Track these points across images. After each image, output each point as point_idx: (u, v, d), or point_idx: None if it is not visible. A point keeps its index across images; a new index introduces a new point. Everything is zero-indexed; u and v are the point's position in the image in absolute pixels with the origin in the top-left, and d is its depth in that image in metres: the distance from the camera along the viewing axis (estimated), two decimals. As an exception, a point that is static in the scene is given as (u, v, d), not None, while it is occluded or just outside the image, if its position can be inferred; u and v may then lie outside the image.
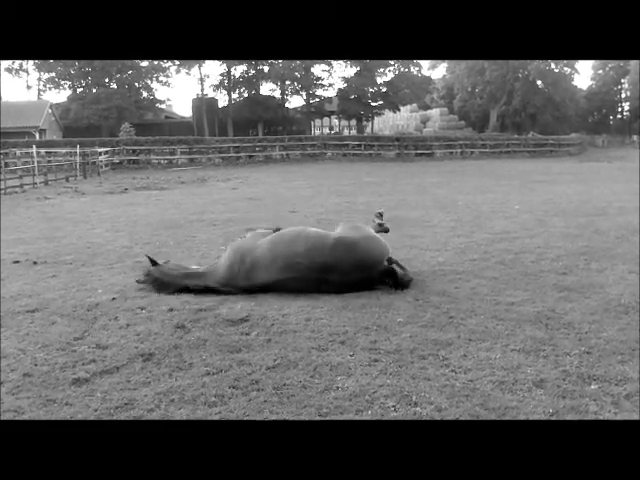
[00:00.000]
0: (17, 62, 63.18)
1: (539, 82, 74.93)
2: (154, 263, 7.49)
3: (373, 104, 66.77)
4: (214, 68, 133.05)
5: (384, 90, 66.04)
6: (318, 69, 66.53)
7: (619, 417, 4.02)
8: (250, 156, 45.85)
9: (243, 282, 7.03)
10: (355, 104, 64.61)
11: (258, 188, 24.04)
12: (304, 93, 65.91)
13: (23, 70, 65.13)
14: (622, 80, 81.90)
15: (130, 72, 62.79)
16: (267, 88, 69.00)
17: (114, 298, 7.10)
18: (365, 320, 6.11)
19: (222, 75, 66.33)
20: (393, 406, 4.22)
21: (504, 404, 4.21)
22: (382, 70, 65.65)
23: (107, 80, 62.91)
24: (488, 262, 8.90)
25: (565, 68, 75.65)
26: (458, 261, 9.01)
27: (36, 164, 30.35)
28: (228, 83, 66.19)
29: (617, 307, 6.50)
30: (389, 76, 66.66)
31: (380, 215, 8.99)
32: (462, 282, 7.72)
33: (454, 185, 24.12)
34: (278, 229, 7.84)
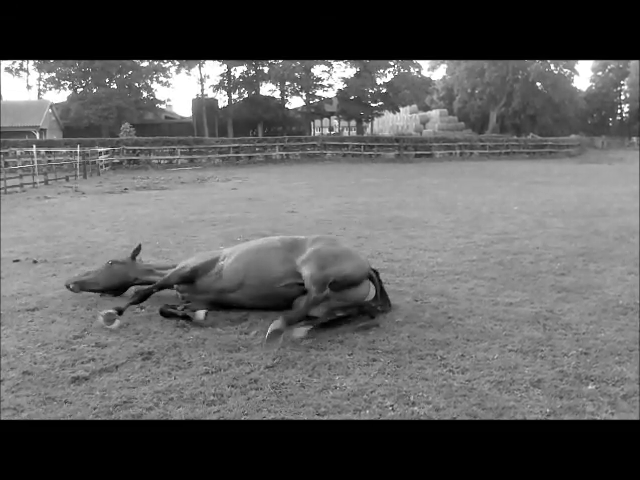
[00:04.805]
0: (17, 62, 63.23)
1: (539, 83, 74.97)
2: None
3: (373, 105, 66.73)
4: (214, 68, 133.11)
5: (384, 91, 66.01)
6: (318, 70, 66.55)
7: (616, 417, 4.03)
8: (250, 156, 45.86)
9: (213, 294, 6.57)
10: (355, 105, 64.58)
11: (258, 188, 24.05)
12: (304, 94, 65.90)
13: (23, 70, 65.14)
14: (621, 82, 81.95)
15: (130, 72, 62.80)
16: (267, 89, 69.08)
17: (113, 297, 7.10)
18: (363, 319, 6.12)
19: (222, 75, 66.38)
20: (391, 406, 4.23)
21: (501, 404, 4.22)
22: (382, 71, 65.62)
23: (107, 80, 62.91)
24: (487, 263, 8.91)
25: (564, 69, 75.72)
26: (457, 262, 9.02)
27: (36, 164, 30.35)
28: (228, 83, 66.21)
29: (615, 308, 6.51)
30: (389, 77, 66.65)
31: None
32: (461, 283, 7.73)
33: (453, 186, 24.13)
34: None
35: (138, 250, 7.19)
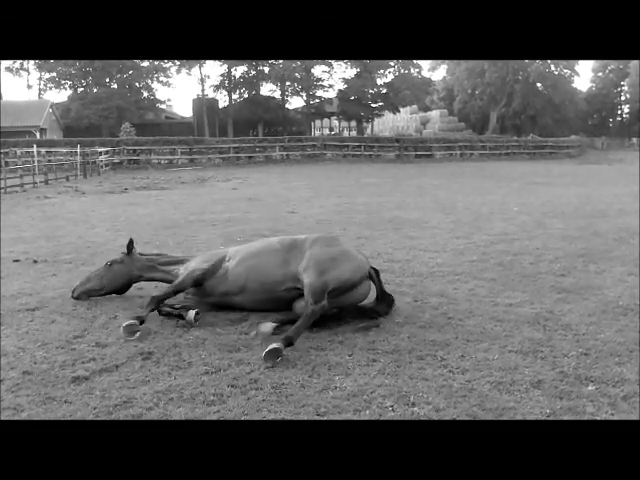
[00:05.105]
0: (18, 62, 63.25)
1: (539, 84, 74.99)
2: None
3: (373, 105, 66.80)
4: (214, 68, 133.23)
5: (384, 91, 66.07)
6: (318, 70, 66.62)
7: (616, 418, 4.03)
8: (250, 157, 45.86)
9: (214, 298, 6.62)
10: (355, 105, 64.63)
11: (258, 188, 24.05)
12: (304, 94, 65.95)
13: (24, 69, 65.20)
14: (622, 82, 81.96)
15: (131, 72, 62.84)
16: (267, 89, 69.11)
17: (113, 297, 7.10)
18: (364, 320, 6.11)
19: (222, 76, 66.42)
20: (391, 406, 4.23)
21: (501, 405, 4.22)
22: (382, 71, 65.69)
23: (108, 80, 62.96)
24: (487, 263, 8.91)
25: (565, 70, 75.74)
26: (457, 262, 9.02)
27: (36, 163, 30.34)
28: (228, 84, 66.24)
29: (615, 309, 6.51)
30: (389, 77, 66.74)
31: None
32: (460, 283, 7.73)
33: (453, 187, 24.13)
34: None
35: (131, 244, 7.08)
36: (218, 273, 6.51)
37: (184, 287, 6.55)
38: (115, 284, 7.03)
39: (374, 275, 6.40)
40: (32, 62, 62.91)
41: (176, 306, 6.40)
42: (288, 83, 64.77)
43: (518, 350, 5.29)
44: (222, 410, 4.18)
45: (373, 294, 6.43)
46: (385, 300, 6.39)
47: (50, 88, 65.14)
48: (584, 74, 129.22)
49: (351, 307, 6.21)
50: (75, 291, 7.01)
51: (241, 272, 6.40)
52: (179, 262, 7.02)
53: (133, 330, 5.76)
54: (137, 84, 64.45)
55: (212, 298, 6.55)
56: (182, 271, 6.72)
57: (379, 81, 66.43)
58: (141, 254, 7.21)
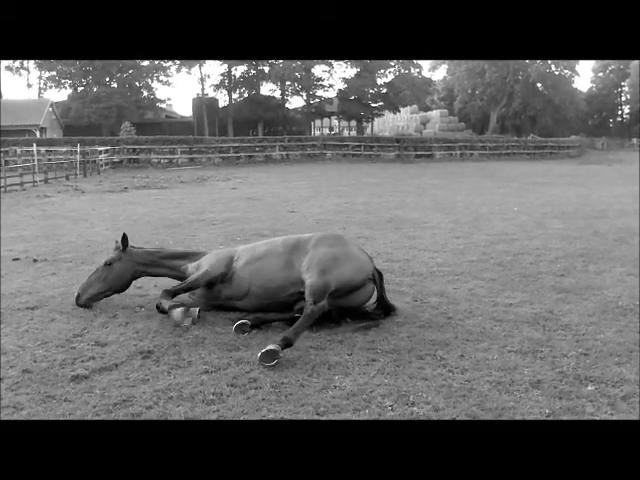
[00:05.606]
0: (18, 61, 63.25)
1: (539, 84, 75.03)
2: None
3: (373, 105, 66.82)
4: (215, 68, 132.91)
5: (384, 91, 66.08)
6: (318, 70, 66.65)
7: (615, 418, 4.03)
8: (250, 156, 45.83)
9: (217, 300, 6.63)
10: (355, 105, 64.65)
11: (257, 188, 24.04)
12: (304, 94, 65.96)
13: (24, 68, 65.26)
14: (622, 83, 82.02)
15: (131, 71, 62.88)
16: (267, 88, 69.14)
17: (112, 296, 7.09)
18: (363, 320, 6.11)
19: (223, 75, 66.47)
20: (390, 406, 4.23)
21: (501, 404, 4.22)
22: (382, 71, 65.69)
23: (108, 79, 63.02)
24: (486, 263, 8.91)
25: (565, 70, 75.79)
26: (457, 262, 9.02)
27: (36, 162, 30.31)
28: (229, 83, 66.28)
29: (615, 309, 6.51)
30: (389, 77, 66.74)
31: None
32: (460, 283, 7.73)
33: (453, 186, 24.14)
34: None
35: (125, 239, 6.92)
36: (228, 275, 6.48)
37: (197, 286, 6.49)
38: (120, 282, 6.83)
39: (377, 278, 6.30)
40: (32, 61, 62.95)
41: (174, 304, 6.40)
42: (288, 83, 64.78)
43: (517, 350, 5.30)
44: (221, 409, 4.19)
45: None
46: (382, 307, 6.30)
47: (50, 87, 65.23)
48: (584, 74, 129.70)
49: (353, 309, 6.17)
50: (80, 299, 6.68)
51: (245, 276, 6.36)
52: (183, 257, 6.95)
53: (187, 316, 5.83)
54: (137, 83, 64.49)
55: (217, 301, 6.53)
56: (190, 270, 6.68)
57: (379, 81, 66.45)
58: (133, 247, 7.08)
